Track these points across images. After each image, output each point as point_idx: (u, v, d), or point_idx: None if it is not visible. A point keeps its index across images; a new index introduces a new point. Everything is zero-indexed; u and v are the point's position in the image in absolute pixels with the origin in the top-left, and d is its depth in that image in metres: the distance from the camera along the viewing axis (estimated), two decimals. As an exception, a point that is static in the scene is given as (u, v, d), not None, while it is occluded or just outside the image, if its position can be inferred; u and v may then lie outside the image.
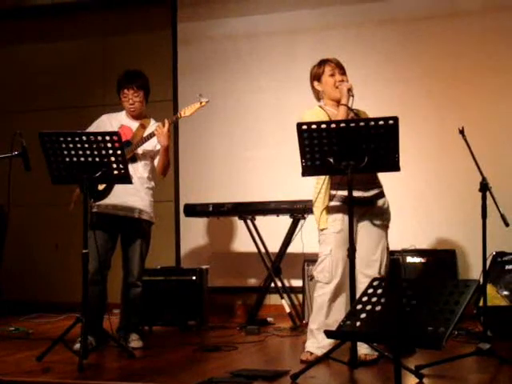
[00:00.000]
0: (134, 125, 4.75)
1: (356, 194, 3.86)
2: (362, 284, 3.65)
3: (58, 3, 6.79)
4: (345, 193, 3.84)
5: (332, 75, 4.09)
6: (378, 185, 4.05)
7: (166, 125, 4.54)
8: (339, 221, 3.95)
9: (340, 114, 3.96)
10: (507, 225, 4.06)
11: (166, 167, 4.71)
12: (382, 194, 4.04)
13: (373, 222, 4.01)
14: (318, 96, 4.18)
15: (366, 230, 4.00)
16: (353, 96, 3.98)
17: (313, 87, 4.19)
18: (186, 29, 6.77)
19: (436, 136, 5.96)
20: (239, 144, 6.52)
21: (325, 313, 3.99)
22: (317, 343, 3.98)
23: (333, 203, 3.97)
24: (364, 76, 6.06)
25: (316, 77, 4.16)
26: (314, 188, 4.05)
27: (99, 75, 6.63)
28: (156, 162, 4.71)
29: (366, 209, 3.98)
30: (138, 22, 6.89)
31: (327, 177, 3.98)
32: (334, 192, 3.96)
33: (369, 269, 3.95)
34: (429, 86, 6.08)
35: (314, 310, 4.07)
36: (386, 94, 6.10)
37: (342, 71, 4.11)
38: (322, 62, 4.15)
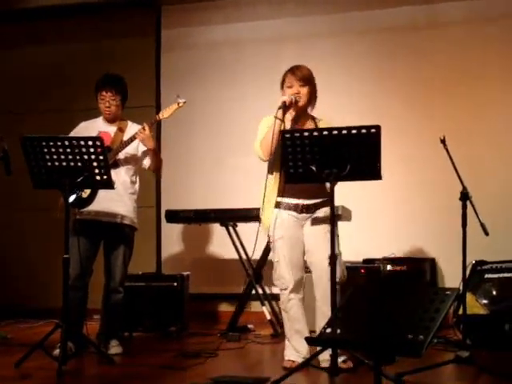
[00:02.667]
0: (112, 129, 4.73)
1: (298, 201, 4.00)
2: None
3: (41, 7, 6.76)
4: (289, 200, 4.00)
5: (290, 87, 4.02)
6: (322, 195, 3.99)
7: (147, 128, 4.53)
8: (282, 227, 4.00)
9: (272, 126, 3.93)
10: (487, 234, 4.09)
11: (160, 166, 4.75)
12: (325, 204, 3.97)
13: (317, 228, 4.00)
14: None
15: (310, 236, 4.03)
16: (286, 108, 3.92)
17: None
18: (170, 35, 6.78)
19: (417, 145, 5.99)
20: (222, 151, 6.53)
21: (291, 318, 4.03)
22: (294, 350, 4.02)
23: (277, 210, 4.02)
24: (346, 84, 6.14)
25: (281, 84, 4.11)
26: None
27: (84, 80, 6.58)
28: (146, 163, 4.71)
29: (309, 216, 4.02)
30: (122, 27, 6.87)
31: (272, 183, 4.01)
32: (279, 199, 4.01)
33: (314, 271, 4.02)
34: (410, 95, 6.12)
35: (284, 319, 4.13)
36: (368, 102, 6.13)
37: (303, 83, 4.00)
38: (286, 72, 4.06)
